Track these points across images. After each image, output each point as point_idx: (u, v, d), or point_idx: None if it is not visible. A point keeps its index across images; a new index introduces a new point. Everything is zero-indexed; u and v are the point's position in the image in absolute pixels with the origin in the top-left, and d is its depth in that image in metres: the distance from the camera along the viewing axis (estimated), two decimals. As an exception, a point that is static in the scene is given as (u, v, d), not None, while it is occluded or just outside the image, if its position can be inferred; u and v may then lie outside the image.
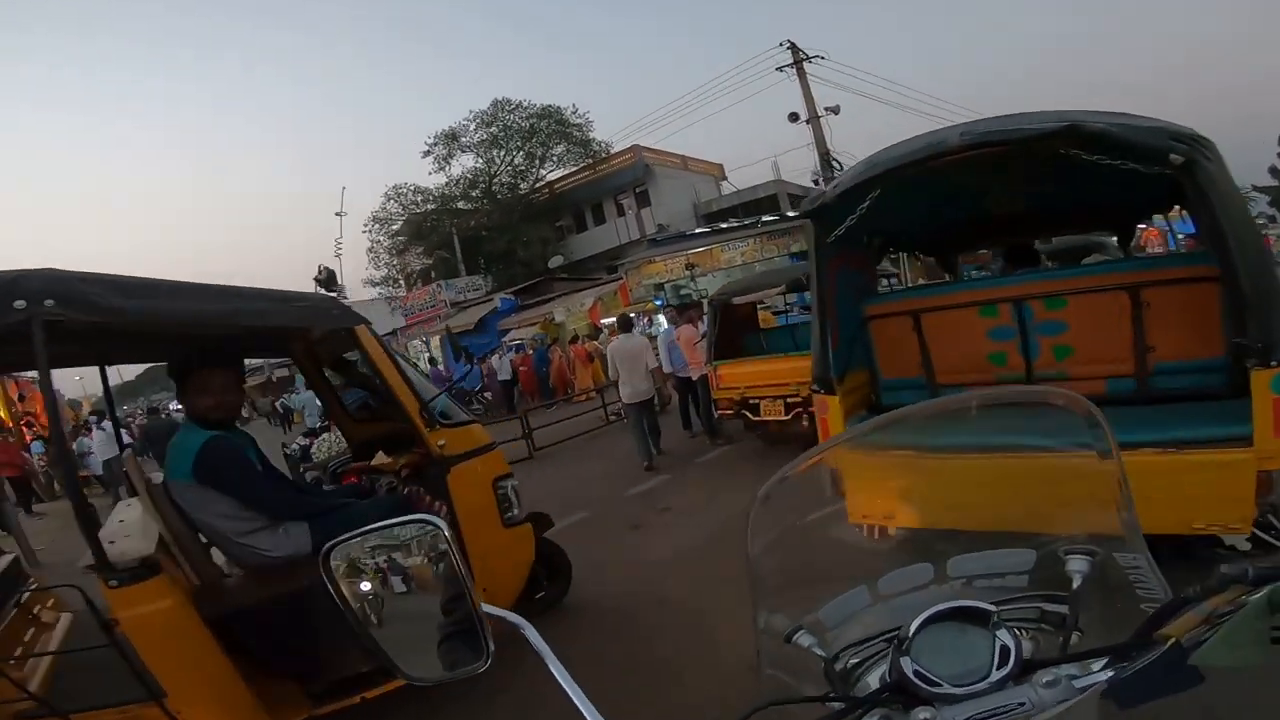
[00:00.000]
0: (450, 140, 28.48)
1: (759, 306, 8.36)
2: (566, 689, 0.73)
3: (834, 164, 18.28)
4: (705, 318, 7.43)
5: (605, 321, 18.96)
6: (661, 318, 14.72)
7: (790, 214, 20.48)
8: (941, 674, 0.62)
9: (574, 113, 28.67)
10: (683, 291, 19.01)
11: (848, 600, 0.87)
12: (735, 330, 7.25)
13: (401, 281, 32.14)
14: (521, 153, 28.63)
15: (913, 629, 0.66)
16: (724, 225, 20.70)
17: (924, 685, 0.62)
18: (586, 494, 6.43)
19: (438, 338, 25.53)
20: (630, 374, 7.08)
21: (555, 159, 29.06)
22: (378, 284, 32.69)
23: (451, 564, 0.82)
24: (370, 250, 31.42)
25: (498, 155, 28.66)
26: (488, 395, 15.48)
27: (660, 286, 18.79)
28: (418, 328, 27.63)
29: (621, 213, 27.69)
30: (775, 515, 0.92)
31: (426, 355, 26.90)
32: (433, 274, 28.98)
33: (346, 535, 0.87)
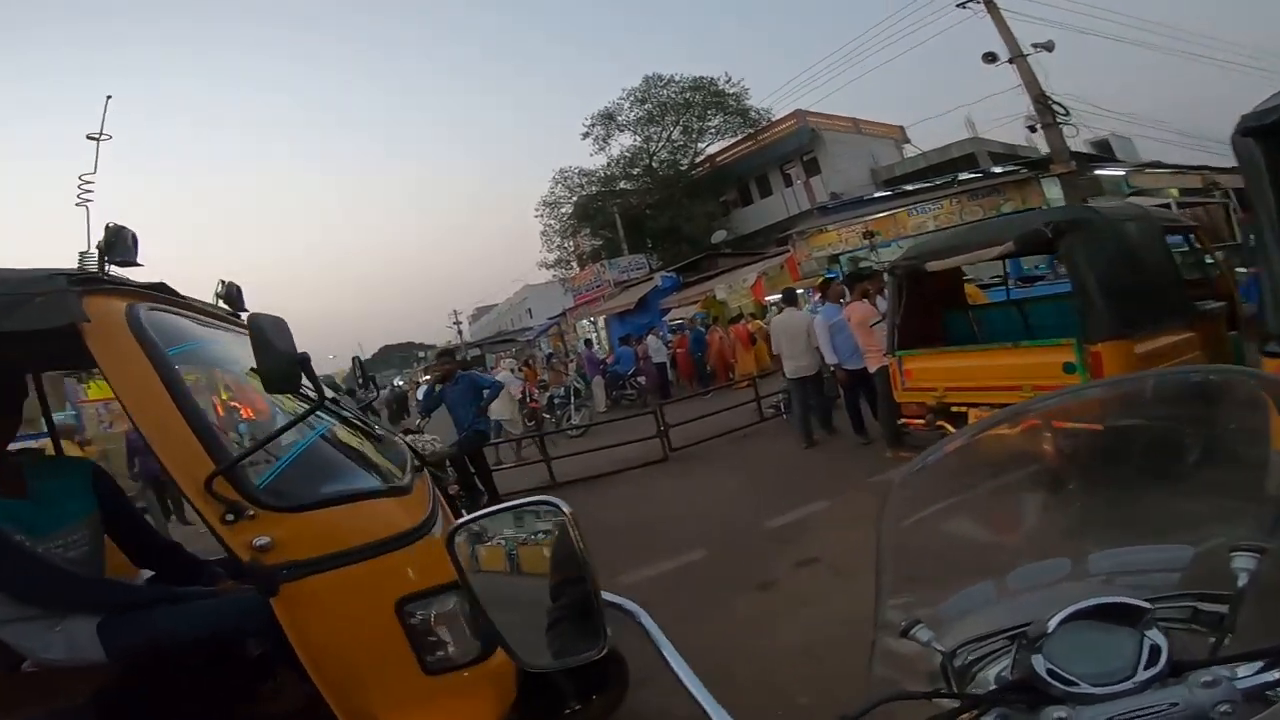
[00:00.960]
0: (607, 120, 28.37)
1: (965, 278, 6.27)
2: (684, 679, 0.74)
3: (1056, 108, 14.65)
4: (885, 292, 5.60)
5: (771, 298, 17.19)
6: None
7: (995, 170, 16.98)
8: (1077, 673, 0.58)
9: (728, 82, 27.40)
10: (861, 264, 16.56)
11: (972, 594, 0.85)
12: (929, 309, 5.35)
13: (574, 264, 32.80)
14: (678, 127, 27.90)
15: (1051, 625, 0.62)
16: (909, 188, 17.70)
17: (1058, 684, 0.58)
18: (713, 520, 5.07)
19: (603, 318, 25.60)
20: (793, 350, 6.75)
21: (714, 131, 28.00)
22: (551, 267, 33.93)
23: (573, 548, 0.80)
24: (543, 234, 32.45)
25: (655, 132, 28.16)
26: (640, 380, 14.46)
27: (834, 259, 16.49)
28: (584, 308, 27.91)
29: (789, 183, 25.91)
30: (910, 503, 0.89)
31: (593, 335, 27.21)
32: (603, 254, 29.08)
33: (471, 516, 0.89)
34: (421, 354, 72.96)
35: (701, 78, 27.36)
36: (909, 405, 5.07)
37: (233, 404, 1.77)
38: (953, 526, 0.93)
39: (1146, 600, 0.62)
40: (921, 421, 4.92)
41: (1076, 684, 0.57)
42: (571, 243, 32.63)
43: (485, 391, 6.30)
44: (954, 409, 4.61)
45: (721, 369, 14.21)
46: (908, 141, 27.27)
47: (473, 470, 6.27)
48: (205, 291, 2.18)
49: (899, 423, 5.44)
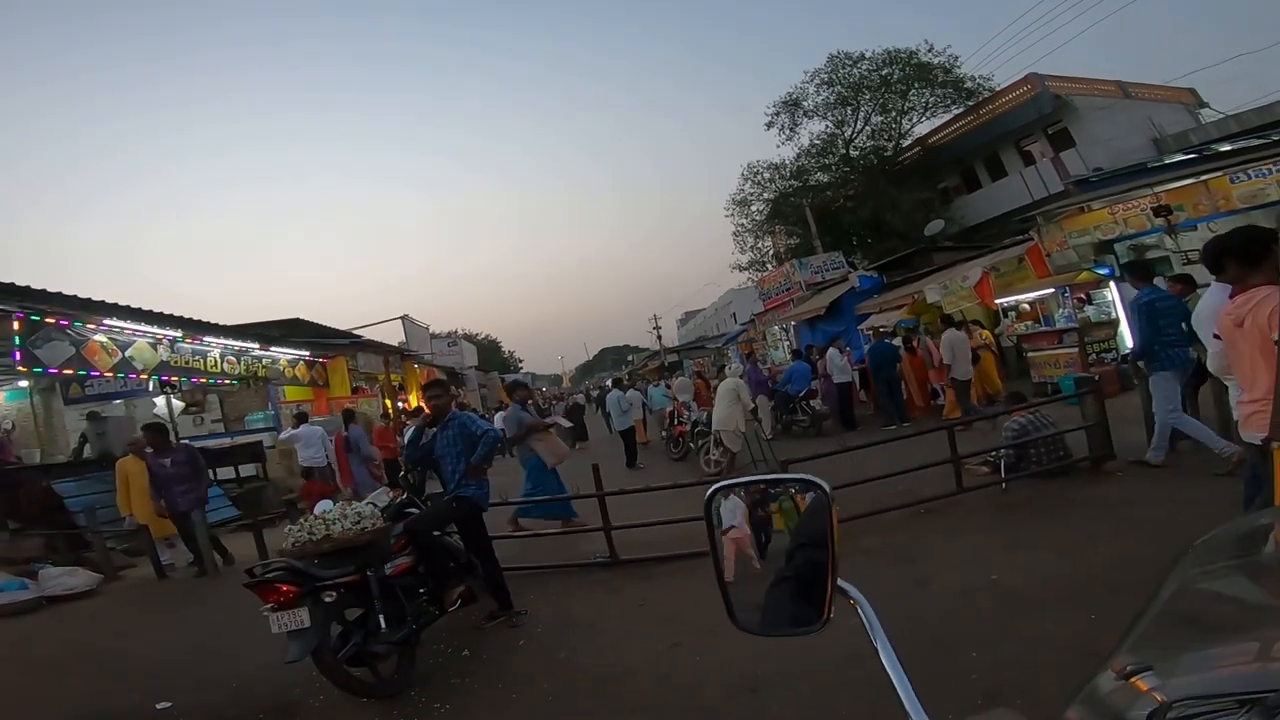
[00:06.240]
0: (792, 107, 25.26)
1: None
2: (887, 667, 0.77)
3: None
4: None
5: (1004, 301, 13.12)
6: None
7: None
8: None
9: (930, 51, 22.94)
10: (1150, 253, 11.82)
11: (1220, 654, 0.82)
12: None
13: (769, 265, 30.36)
14: (876, 108, 24.04)
15: None
16: (1226, 147, 12.31)
17: None
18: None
19: (793, 324, 22.82)
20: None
21: (921, 109, 23.78)
22: (745, 269, 32.12)
23: (826, 529, 0.83)
24: (735, 235, 30.44)
25: (848, 115, 24.59)
26: (815, 404, 11.56)
27: (1105, 246, 11.95)
28: (773, 313, 25.29)
29: (1029, 161, 20.83)
30: (1202, 559, 0.90)
31: (787, 344, 24.47)
32: (810, 248, 26.19)
33: (734, 481, 0.95)
34: (630, 358, 75.52)
35: (896, 50, 23.29)
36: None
37: None
38: (1231, 587, 0.93)
39: None
40: None
41: None
42: (766, 242, 30.29)
43: (479, 442, 4.26)
44: None
45: (921, 394, 10.85)
46: (1203, 105, 21.05)
47: (462, 542, 4.44)
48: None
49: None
